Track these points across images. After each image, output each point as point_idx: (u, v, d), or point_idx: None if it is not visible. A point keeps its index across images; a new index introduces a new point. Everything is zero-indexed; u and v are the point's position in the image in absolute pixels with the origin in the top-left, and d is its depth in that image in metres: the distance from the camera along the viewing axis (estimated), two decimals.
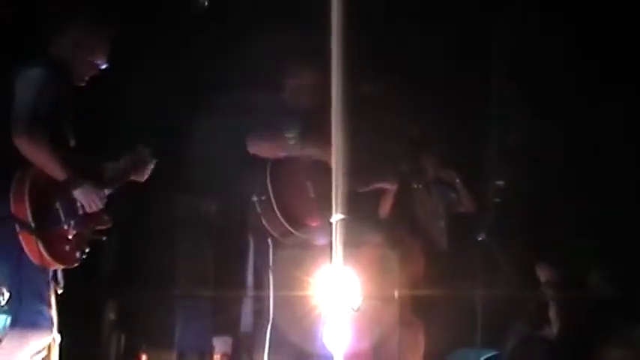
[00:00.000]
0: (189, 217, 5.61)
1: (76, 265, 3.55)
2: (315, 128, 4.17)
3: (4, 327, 4.37)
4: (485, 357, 4.88)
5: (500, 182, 5.19)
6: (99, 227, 3.62)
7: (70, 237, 3.48)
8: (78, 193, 3.50)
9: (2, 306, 4.72)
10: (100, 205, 3.57)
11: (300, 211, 4.28)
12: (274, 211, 4.17)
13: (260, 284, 4.58)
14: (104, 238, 3.63)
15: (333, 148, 3.88)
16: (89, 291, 5.19)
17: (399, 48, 5.26)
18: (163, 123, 5.07)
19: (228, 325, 5.77)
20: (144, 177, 3.92)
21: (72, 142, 3.71)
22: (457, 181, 5.33)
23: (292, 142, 4.21)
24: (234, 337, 5.80)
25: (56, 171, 3.44)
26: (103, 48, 3.77)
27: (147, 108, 5.04)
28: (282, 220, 4.19)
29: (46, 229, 3.39)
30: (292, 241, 4.23)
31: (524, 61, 5.23)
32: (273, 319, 4.19)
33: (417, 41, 5.31)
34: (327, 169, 4.08)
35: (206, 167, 5.39)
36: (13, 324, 3.43)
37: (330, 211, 3.96)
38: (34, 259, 3.40)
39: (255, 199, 4.24)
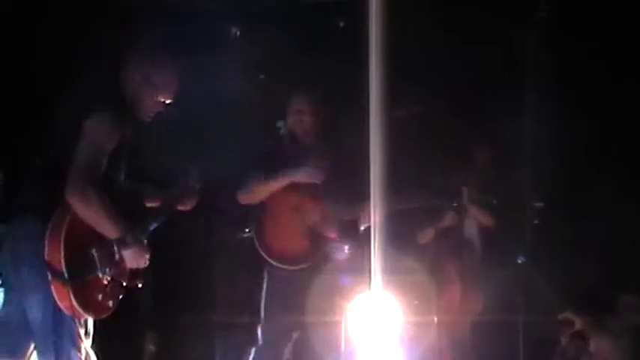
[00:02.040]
0: (226, 246, 5.38)
1: (107, 314, 3.31)
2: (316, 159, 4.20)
3: None
4: None
5: (539, 204, 5.21)
6: (136, 273, 3.39)
7: (104, 285, 3.24)
8: (127, 254, 3.27)
9: None
10: (146, 264, 3.37)
11: (286, 244, 4.24)
12: (256, 246, 4.20)
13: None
14: (140, 285, 3.38)
15: (372, 172, 3.83)
16: (128, 323, 5.21)
17: (435, 72, 5.17)
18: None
19: None
20: (191, 206, 3.71)
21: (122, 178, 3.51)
22: (494, 202, 5.11)
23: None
24: None
25: (109, 231, 3.22)
26: (172, 84, 3.51)
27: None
28: (263, 253, 4.18)
29: (79, 278, 3.14)
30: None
31: (560, 82, 5.12)
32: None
33: (452, 66, 5.24)
34: (318, 198, 4.22)
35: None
36: None
37: (321, 242, 4.18)
38: (65, 309, 3.14)
39: (243, 235, 4.37)
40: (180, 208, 3.65)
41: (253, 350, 4.38)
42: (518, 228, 5.18)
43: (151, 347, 5.10)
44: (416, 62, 4.95)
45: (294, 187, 4.24)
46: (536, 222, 5.16)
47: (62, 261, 3.09)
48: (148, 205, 3.59)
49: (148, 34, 3.85)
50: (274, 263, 4.21)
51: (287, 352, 4.32)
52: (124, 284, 3.32)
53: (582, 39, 4.97)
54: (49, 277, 3.09)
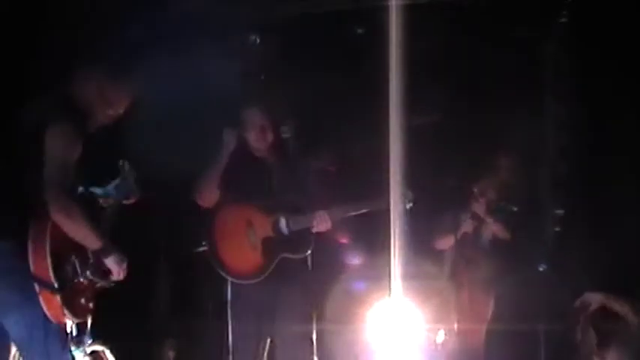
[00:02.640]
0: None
1: (89, 316, 3.43)
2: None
3: None
4: None
5: (559, 211, 5.14)
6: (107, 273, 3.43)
7: (84, 289, 3.32)
8: (109, 261, 3.35)
9: None
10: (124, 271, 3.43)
11: (240, 258, 4.29)
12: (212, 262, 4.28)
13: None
14: (111, 284, 3.44)
15: (392, 181, 3.81)
16: (148, 330, 5.21)
17: (454, 79, 5.20)
18: None
19: None
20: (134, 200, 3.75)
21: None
22: (514, 209, 5.06)
23: None
24: None
25: (92, 242, 3.30)
26: (124, 99, 3.57)
27: None
28: (219, 269, 4.22)
29: (67, 285, 3.21)
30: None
31: (580, 88, 5.07)
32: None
33: (471, 73, 5.25)
34: (269, 211, 4.30)
35: None
36: None
37: (274, 254, 4.21)
38: (53, 317, 3.21)
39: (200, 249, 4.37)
40: (125, 202, 3.69)
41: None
42: (539, 235, 5.11)
43: (171, 353, 5.13)
44: (436, 69, 4.95)
45: (246, 200, 4.31)
46: (557, 229, 5.09)
47: (50, 272, 3.13)
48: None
49: (103, 45, 3.95)
50: (230, 278, 4.26)
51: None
52: (97, 285, 3.37)
53: (602, 46, 4.85)
54: (37, 289, 3.13)
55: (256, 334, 4.31)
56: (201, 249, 4.32)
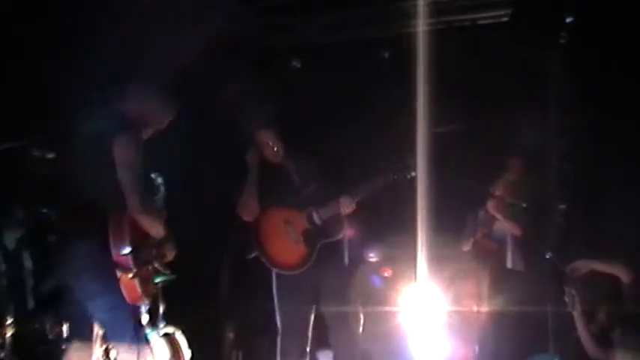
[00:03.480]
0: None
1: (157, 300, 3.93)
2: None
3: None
4: None
5: (562, 206, 5.39)
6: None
7: (151, 274, 3.66)
8: (168, 249, 3.72)
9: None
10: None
11: (284, 253, 4.65)
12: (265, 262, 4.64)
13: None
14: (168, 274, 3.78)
15: (419, 180, 4.32)
16: (211, 314, 5.58)
17: (471, 94, 5.52)
18: None
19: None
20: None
21: None
22: (524, 205, 5.43)
23: None
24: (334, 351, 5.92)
25: (158, 232, 3.66)
26: (169, 118, 3.87)
27: None
28: (269, 265, 4.61)
29: (142, 270, 3.55)
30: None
31: (580, 98, 5.31)
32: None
33: (486, 88, 5.57)
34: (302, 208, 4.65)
35: None
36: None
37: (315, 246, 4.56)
38: (130, 299, 3.53)
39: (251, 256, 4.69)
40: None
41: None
42: (546, 227, 5.35)
43: (230, 334, 5.50)
44: (455, 84, 5.23)
45: (279, 202, 4.70)
46: (560, 221, 5.30)
47: (130, 259, 3.50)
48: None
49: (151, 68, 4.28)
50: (284, 272, 4.63)
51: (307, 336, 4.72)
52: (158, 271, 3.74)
53: (598, 62, 5.14)
54: (118, 274, 3.49)
55: (303, 315, 4.65)
56: (252, 255, 4.64)
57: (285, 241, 4.65)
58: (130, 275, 3.48)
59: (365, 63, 5.60)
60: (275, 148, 4.70)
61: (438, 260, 4.59)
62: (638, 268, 4.22)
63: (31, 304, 5.03)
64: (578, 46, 5.23)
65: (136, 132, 3.68)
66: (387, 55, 5.63)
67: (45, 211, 4.82)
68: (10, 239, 5.10)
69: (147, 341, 3.71)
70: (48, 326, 4.81)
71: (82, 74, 4.58)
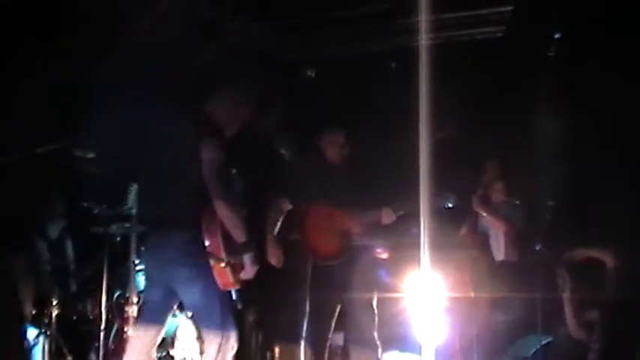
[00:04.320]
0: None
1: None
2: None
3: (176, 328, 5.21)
4: (544, 342, 5.13)
5: (550, 203, 5.64)
6: None
7: (239, 266, 3.91)
8: (247, 257, 3.89)
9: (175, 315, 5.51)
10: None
11: (326, 246, 4.89)
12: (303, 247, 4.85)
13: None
14: None
15: (421, 178, 4.20)
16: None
17: (468, 101, 5.73)
18: None
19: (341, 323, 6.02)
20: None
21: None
22: (517, 202, 5.78)
23: None
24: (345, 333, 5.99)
25: (239, 236, 3.86)
26: (243, 122, 4.11)
27: None
28: (309, 253, 4.82)
29: (233, 261, 3.85)
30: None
31: (568, 102, 5.52)
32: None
33: (483, 95, 5.85)
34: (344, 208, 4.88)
35: None
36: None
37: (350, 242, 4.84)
38: (223, 285, 3.84)
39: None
40: None
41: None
42: (536, 222, 5.62)
43: (251, 318, 5.64)
44: (454, 94, 5.25)
45: (328, 199, 4.89)
46: (549, 217, 5.57)
47: (222, 250, 3.81)
48: None
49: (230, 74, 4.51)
50: (320, 262, 4.82)
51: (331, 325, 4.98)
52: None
53: (584, 71, 5.44)
54: (211, 263, 3.76)
55: (331, 304, 4.91)
56: (294, 237, 4.88)
57: (326, 235, 4.88)
58: (223, 264, 3.79)
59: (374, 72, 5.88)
60: (341, 150, 4.93)
61: (437, 249, 4.83)
62: (623, 257, 4.51)
63: (73, 287, 5.42)
64: (565, 59, 5.48)
65: (220, 134, 3.94)
66: (394, 65, 5.96)
67: (86, 205, 5.14)
68: (54, 230, 5.48)
69: (233, 326, 3.84)
70: (89, 308, 5.16)
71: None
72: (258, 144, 5.44)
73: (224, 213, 3.80)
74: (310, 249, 4.84)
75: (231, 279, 3.84)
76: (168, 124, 4.01)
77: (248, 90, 4.24)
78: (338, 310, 4.92)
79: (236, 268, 3.89)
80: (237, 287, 4.03)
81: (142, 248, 4.05)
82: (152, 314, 3.98)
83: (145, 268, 4.16)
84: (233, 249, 3.85)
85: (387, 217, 4.89)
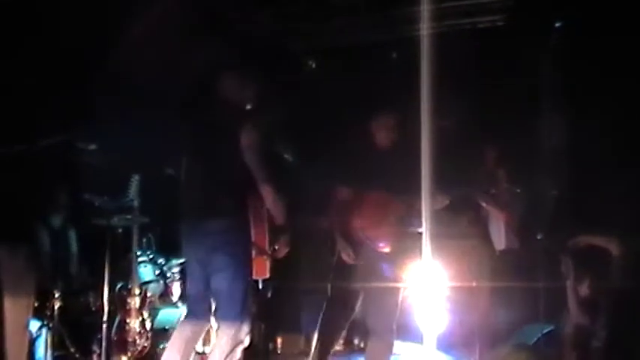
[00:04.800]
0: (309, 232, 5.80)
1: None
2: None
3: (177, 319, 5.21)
4: (545, 330, 5.13)
5: (554, 192, 5.70)
6: None
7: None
8: (282, 241, 4.03)
9: (175, 303, 5.55)
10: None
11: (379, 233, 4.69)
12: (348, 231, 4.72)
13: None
14: None
15: (423, 167, 4.34)
16: None
17: (471, 91, 5.80)
18: None
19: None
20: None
21: None
22: (518, 191, 5.72)
23: None
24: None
25: (281, 218, 3.93)
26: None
27: None
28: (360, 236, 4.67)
29: (273, 253, 3.99)
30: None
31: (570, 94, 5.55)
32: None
33: (486, 86, 5.92)
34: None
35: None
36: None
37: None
38: (258, 276, 3.96)
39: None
40: None
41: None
42: (537, 210, 5.64)
43: (253, 309, 5.63)
44: (454, 83, 5.33)
45: (379, 186, 4.65)
46: (550, 205, 5.60)
47: (267, 242, 3.94)
48: None
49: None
50: (370, 248, 4.60)
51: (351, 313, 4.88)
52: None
53: (585, 59, 5.40)
54: (253, 253, 3.84)
55: (353, 293, 4.79)
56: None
57: (380, 221, 4.66)
58: (265, 257, 3.93)
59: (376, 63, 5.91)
60: (391, 133, 4.70)
61: (439, 238, 4.70)
62: (626, 245, 4.46)
63: (76, 279, 5.41)
64: (565, 48, 5.49)
65: (256, 117, 3.94)
66: (395, 55, 5.99)
67: (88, 197, 5.11)
68: (57, 222, 5.47)
69: (249, 321, 3.89)
70: (91, 300, 5.17)
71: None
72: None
73: (269, 196, 3.84)
74: (364, 236, 4.67)
75: (267, 270, 3.95)
76: (201, 113, 4.03)
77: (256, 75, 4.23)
78: (359, 301, 4.86)
79: (273, 259, 4.01)
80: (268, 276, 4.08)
81: (183, 241, 4.09)
82: (195, 307, 4.02)
83: (186, 262, 4.19)
84: (276, 237, 3.97)
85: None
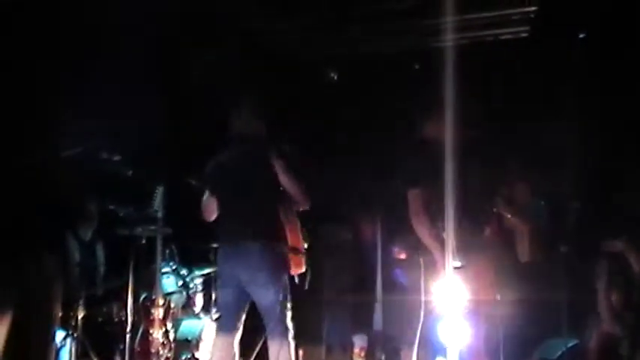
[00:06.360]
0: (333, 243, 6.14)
1: None
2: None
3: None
4: (570, 345, 5.14)
5: (576, 204, 5.60)
6: None
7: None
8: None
9: (197, 314, 5.57)
10: None
11: None
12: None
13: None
14: None
15: (446, 177, 4.31)
16: None
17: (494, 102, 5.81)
18: None
19: (364, 325, 6.18)
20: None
21: None
22: (542, 203, 5.74)
23: None
24: (369, 335, 6.19)
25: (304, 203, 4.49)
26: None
27: None
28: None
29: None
30: None
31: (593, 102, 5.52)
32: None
33: (503, 97, 5.92)
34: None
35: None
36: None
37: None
38: (294, 271, 4.48)
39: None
40: None
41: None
42: (561, 222, 5.59)
43: None
44: (477, 93, 5.26)
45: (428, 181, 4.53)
46: (574, 218, 5.51)
47: (301, 242, 4.47)
48: None
49: None
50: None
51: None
52: None
53: (608, 70, 5.47)
54: (290, 255, 4.38)
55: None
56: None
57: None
58: (301, 255, 4.47)
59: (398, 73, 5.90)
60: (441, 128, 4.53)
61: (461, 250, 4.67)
62: None
63: (99, 289, 5.41)
64: (589, 60, 5.50)
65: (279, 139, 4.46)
66: (417, 66, 6.00)
67: (112, 207, 5.17)
68: (85, 232, 5.53)
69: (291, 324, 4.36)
70: (115, 310, 5.20)
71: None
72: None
73: (307, 203, 4.46)
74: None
75: (304, 264, 4.49)
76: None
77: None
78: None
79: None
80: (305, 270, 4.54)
81: (218, 257, 4.52)
82: (228, 322, 4.42)
83: (221, 275, 4.51)
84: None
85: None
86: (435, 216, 4.51)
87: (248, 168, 4.39)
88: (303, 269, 4.47)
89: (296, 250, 4.32)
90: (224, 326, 4.42)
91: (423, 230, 4.45)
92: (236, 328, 4.39)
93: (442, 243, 4.50)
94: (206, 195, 4.63)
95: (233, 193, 4.42)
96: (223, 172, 4.48)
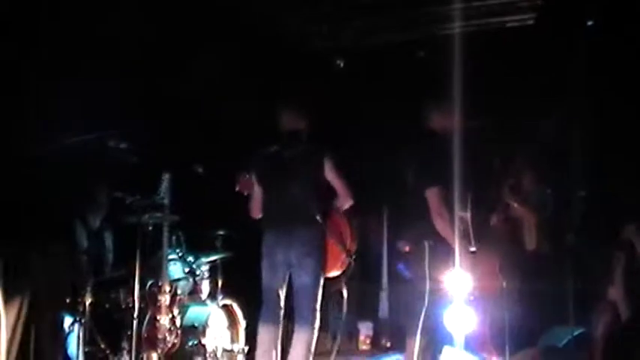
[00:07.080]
0: None
1: None
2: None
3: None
4: (576, 333, 5.08)
5: (582, 193, 5.71)
6: None
7: None
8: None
9: (204, 301, 5.59)
10: None
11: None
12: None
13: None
14: None
15: (455, 166, 4.37)
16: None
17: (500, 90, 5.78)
18: None
19: (369, 312, 6.37)
20: None
21: None
22: (548, 192, 5.66)
23: None
24: (374, 322, 6.37)
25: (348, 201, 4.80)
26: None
27: None
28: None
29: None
30: None
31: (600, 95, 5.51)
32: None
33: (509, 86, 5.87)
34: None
35: None
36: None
37: None
38: (339, 268, 4.78)
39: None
40: None
41: None
42: (568, 211, 5.64)
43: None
44: (482, 82, 5.18)
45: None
46: (580, 207, 5.65)
47: (348, 239, 4.75)
48: None
49: None
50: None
51: None
52: None
53: (617, 58, 5.42)
54: (338, 249, 4.69)
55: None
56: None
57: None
58: (344, 254, 4.73)
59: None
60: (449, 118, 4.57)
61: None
62: None
63: (107, 276, 5.41)
64: (597, 47, 5.48)
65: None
66: (422, 54, 5.99)
67: (119, 194, 5.13)
68: (94, 220, 5.53)
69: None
70: (122, 297, 5.17)
71: None
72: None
73: (349, 201, 4.80)
74: None
75: (345, 263, 4.75)
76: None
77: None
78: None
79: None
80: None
81: (266, 242, 4.86)
82: (272, 304, 4.81)
83: (270, 262, 4.83)
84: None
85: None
86: (452, 207, 4.55)
87: (300, 162, 4.72)
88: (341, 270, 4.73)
89: (343, 247, 4.62)
90: (269, 308, 4.79)
91: (444, 224, 4.51)
92: (280, 307, 4.79)
93: (460, 232, 4.59)
94: (255, 191, 4.93)
95: (284, 184, 4.71)
96: (274, 163, 4.82)
